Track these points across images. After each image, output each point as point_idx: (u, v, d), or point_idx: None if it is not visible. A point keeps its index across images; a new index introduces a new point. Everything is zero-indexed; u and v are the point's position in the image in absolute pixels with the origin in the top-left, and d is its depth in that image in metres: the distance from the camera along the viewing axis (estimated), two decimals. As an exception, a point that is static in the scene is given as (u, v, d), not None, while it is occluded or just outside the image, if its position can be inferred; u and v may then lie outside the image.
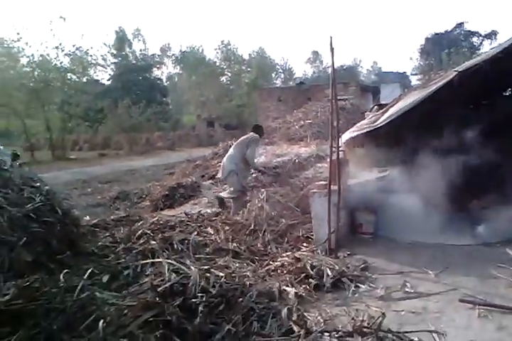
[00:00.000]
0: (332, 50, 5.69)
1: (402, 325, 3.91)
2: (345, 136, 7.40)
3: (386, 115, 7.05)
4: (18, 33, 31.64)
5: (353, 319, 3.78)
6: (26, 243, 5.05)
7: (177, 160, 21.66)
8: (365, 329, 3.35)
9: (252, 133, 9.00)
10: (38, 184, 6.50)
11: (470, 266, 5.43)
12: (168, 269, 4.24)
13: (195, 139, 41.85)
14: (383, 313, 3.57)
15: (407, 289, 4.80)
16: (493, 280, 4.96)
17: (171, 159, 24.38)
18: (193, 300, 3.88)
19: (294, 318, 3.85)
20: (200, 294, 3.95)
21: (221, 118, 47.59)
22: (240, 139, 9.08)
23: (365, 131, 7.09)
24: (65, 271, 4.31)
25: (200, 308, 3.80)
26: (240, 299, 4.01)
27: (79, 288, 3.91)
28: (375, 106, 9.56)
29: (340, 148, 6.38)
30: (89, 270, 4.58)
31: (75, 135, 41.53)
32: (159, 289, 3.91)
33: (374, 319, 3.74)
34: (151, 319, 3.67)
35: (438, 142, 7.39)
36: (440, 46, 48.49)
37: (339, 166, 6.04)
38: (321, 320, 3.98)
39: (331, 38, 5.67)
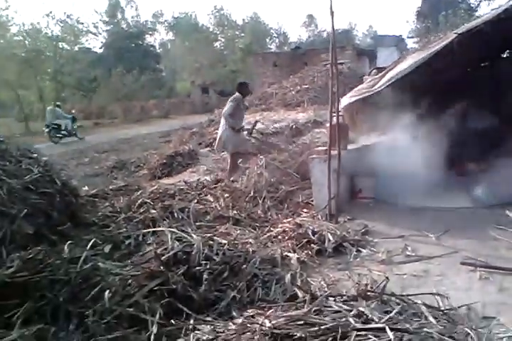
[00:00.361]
0: (332, 13, 5.57)
1: (404, 288, 3.93)
2: (344, 101, 7.33)
3: (385, 79, 6.97)
4: (6, 1, 31.11)
5: (357, 283, 3.81)
6: (27, 215, 5.05)
7: (172, 128, 21.55)
8: (369, 293, 3.38)
9: (236, 93, 8.89)
10: (36, 155, 6.47)
11: (470, 229, 5.44)
12: (171, 238, 4.25)
13: (189, 106, 41.54)
14: (387, 277, 3.60)
15: (408, 252, 4.82)
16: (494, 242, 4.98)
17: (166, 127, 24.23)
18: (197, 268, 3.91)
19: (298, 284, 3.88)
20: (204, 262, 3.98)
21: (215, 84, 47.11)
22: None
23: (364, 95, 7.00)
24: (69, 242, 4.32)
25: (205, 276, 3.83)
26: (244, 266, 4.03)
27: (82, 259, 3.93)
28: (374, 70, 9.48)
29: (339, 113, 6.33)
30: (92, 240, 4.59)
31: (69, 104, 41.06)
32: (163, 258, 3.92)
33: (377, 283, 3.78)
34: (156, 288, 3.70)
35: (437, 105, 7.34)
36: (437, 8, 47.65)
37: (339, 131, 6.00)
38: (325, 285, 4.02)
39: (331, 1, 5.54)
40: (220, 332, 2.92)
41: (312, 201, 6.48)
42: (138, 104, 38.90)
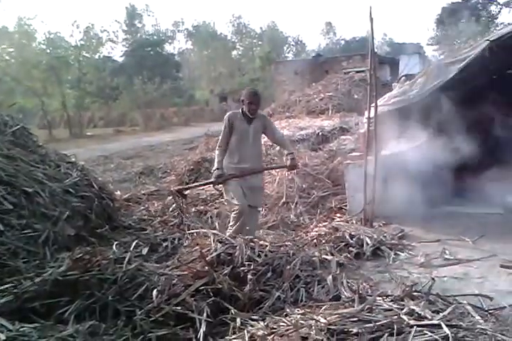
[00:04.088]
0: (371, 20, 5.64)
1: (446, 290, 3.95)
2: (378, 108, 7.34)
3: (417, 86, 6.97)
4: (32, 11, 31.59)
5: (403, 283, 3.85)
6: (67, 217, 5.19)
7: (194, 136, 21.69)
8: (414, 294, 3.42)
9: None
10: (73, 159, 6.63)
11: (505, 233, 5.47)
12: (214, 239, 4.33)
13: (209, 114, 41.74)
14: (433, 278, 3.64)
15: (446, 256, 4.88)
16: (530, 246, 4.99)
17: (187, 134, 24.44)
18: (241, 268, 3.98)
19: (343, 284, 3.92)
20: (247, 263, 4.05)
21: (235, 93, 47.30)
22: None
23: (398, 106, 6.99)
24: (116, 242, 4.43)
25: (249, 276, 3.90)
26: (288, 267, 4.09)
27: (127, 259, 4.02)
28: (403, 77, 9.50)
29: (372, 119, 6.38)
30: (134, 242, 4.66)
31: (90, 112, 41.53)
32: (208, 258, 4.00)
33: (420, 284, 3.81)
34: (201, 287, 3.77)
35: (469, 112, 7.34)
36: (457, 16, 47.25)
37: (375, 137, 6.04)
38: (367, 286, 4.07)
39: (371, 8, 5.61)
40: (274, 328, 2.97)
41: (345, 206, 6.53)
42: (158, 111, 39.16)
